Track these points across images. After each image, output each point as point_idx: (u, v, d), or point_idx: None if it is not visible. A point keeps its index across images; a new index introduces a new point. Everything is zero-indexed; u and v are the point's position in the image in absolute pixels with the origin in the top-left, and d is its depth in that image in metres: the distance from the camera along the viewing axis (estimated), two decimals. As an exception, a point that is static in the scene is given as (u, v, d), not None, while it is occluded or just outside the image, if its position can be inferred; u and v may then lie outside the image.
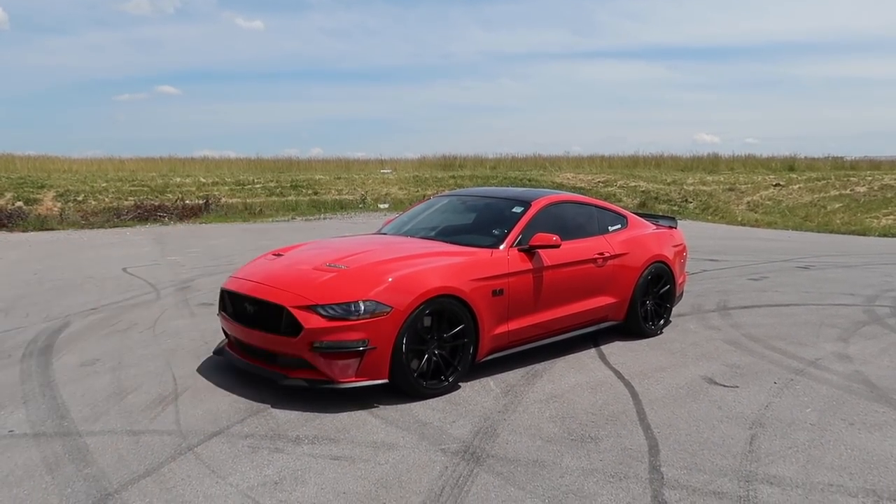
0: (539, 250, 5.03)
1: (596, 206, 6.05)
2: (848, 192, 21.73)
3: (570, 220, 5.63)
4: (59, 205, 17.45)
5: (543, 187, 22.64)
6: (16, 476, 3.23)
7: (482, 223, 5.50)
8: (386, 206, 20.73)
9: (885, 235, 16.63)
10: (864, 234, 16.82)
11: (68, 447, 3.55)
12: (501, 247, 4.93)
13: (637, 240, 5.98)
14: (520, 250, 4.98)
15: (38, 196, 17.85)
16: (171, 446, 3.56)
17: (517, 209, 5.36)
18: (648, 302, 5.99)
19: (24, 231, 15.07)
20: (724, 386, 4.63)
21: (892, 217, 18.67)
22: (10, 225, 15.42)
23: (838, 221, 18.66)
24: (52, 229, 15.42)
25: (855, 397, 4.42)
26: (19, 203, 17.04)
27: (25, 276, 8.92)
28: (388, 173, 26.32)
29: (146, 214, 17.33)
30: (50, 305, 7.08)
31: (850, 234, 17.00)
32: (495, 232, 5.16)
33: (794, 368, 5.03)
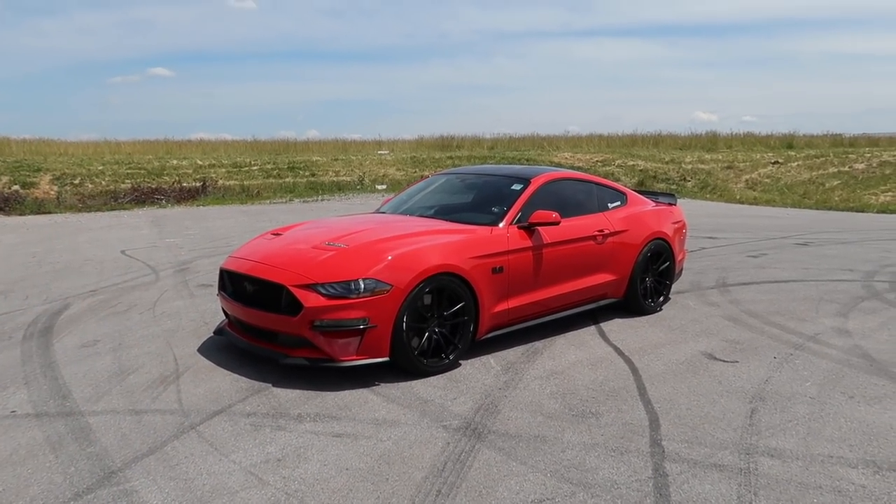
0: (539, 227, 5.02)
1: (595, 184, 6.03)
2: (846, 169, 21.67)
3: (569, 198, 5.61)
4: (55, 188, 17.37)
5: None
6: (19, 455, 3.24)
7: (481, 201, 5.48)
8: (384, 187, 20.66)
9: (883, 212, 16.61)
10: (863, 211, 16.82)
11: (71, 427, 3.56)
12: (501, 224, 4.92)
13: (636, 217, 5.97)
14: (519, 227, 4.96)
15: (34, 180, 17.76)
16: (173, 425, 3.57)
17: (516, 186, 5.34)
18: (648, 279, 5.99)
19: (20, 215, 15.01)
20: (724, 361, 4.64)
21: (890, 194, 18.64)
22: (7, 209, 15.35)
23: (837, 198, 18.64)
24: (50, 213, 15.36)
25: (854, 371, 4.44)
26: (16, 187, 16.96)
27: (23, 259, 8.90)
28: (385, 154, 26.20)
29: (143, 197, 17.26)
30: (49, 288, 7.07)
31: (848, 210, 16.99)
32: (495, 209, 5.14)
33: (793, 343, 5.04)
